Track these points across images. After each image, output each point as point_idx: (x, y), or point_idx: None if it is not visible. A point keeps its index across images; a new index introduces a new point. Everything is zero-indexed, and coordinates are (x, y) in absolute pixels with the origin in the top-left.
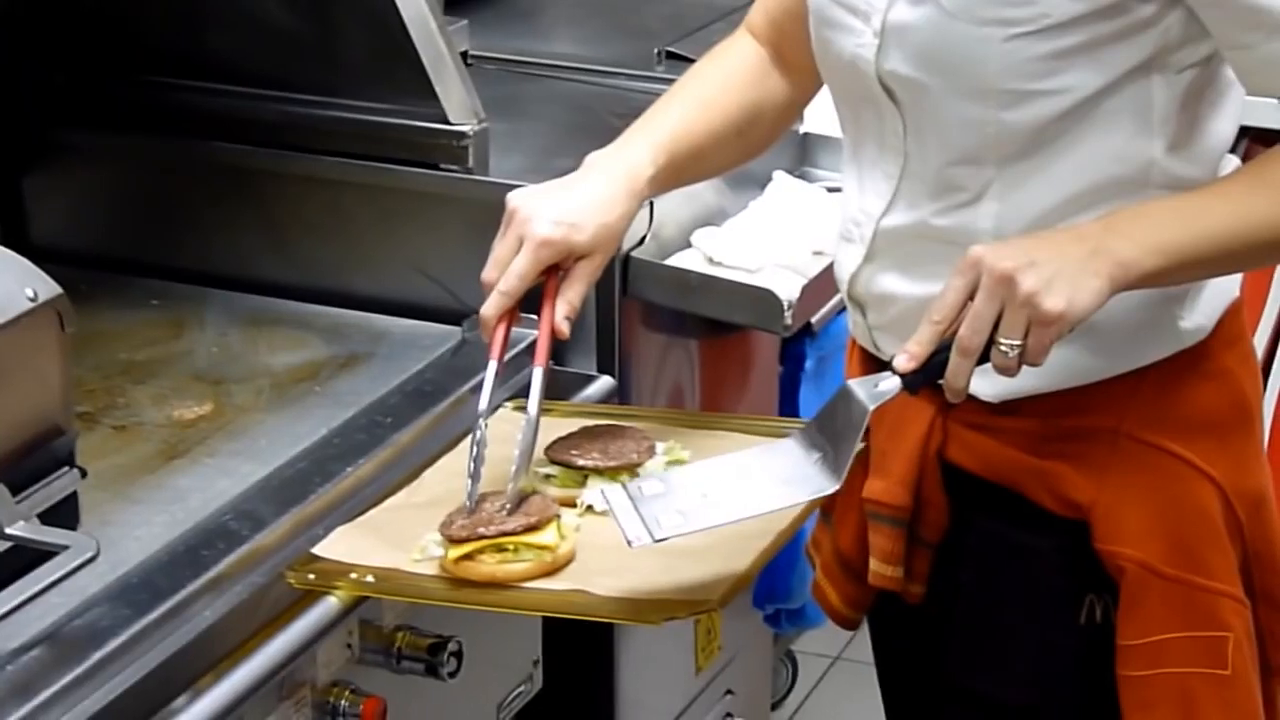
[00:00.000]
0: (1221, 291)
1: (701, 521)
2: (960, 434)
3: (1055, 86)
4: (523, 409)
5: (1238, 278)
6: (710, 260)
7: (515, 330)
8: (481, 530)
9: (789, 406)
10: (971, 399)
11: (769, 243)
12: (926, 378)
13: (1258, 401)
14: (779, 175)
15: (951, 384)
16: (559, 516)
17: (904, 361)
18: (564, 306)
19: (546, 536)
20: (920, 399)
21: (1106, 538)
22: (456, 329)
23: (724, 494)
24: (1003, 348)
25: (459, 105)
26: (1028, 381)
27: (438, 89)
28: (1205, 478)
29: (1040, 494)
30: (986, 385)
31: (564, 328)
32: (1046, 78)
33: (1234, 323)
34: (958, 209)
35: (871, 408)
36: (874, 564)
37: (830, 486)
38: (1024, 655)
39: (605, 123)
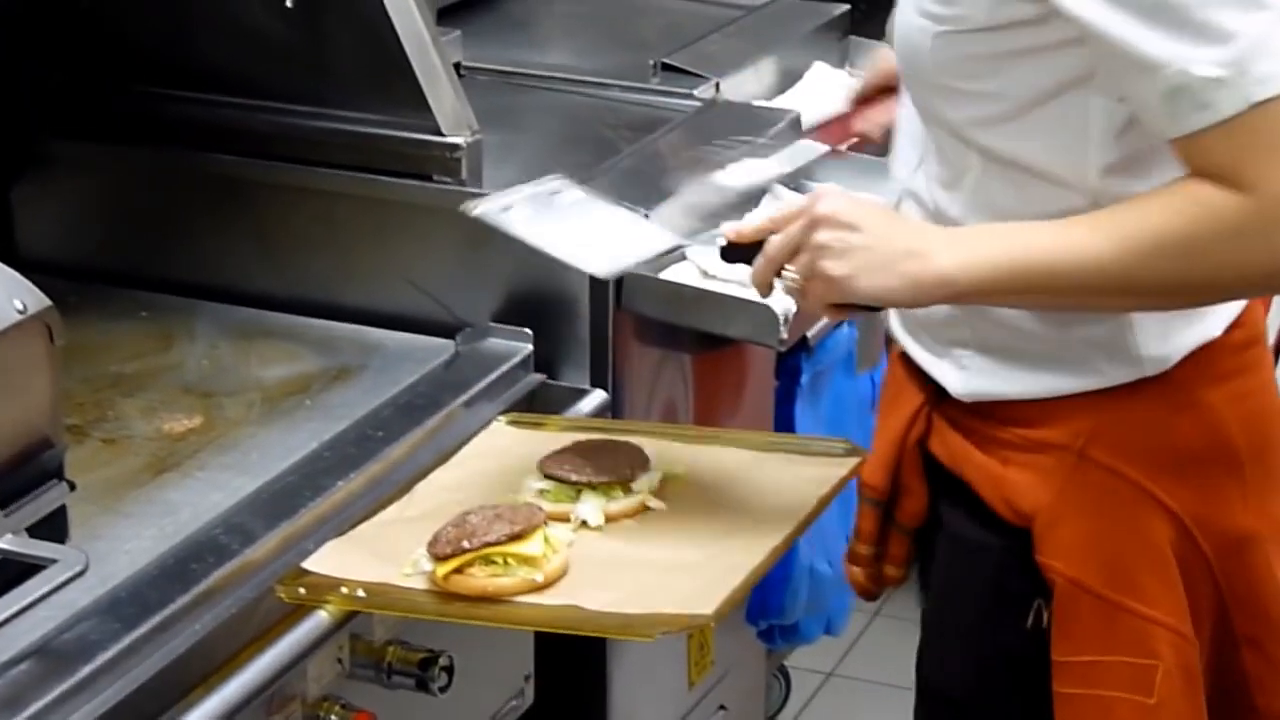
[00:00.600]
0: (1192, 325)
1: None
2: (940, 427)
3: (986, 89)
4: (516, 423)
5: (1220, 315)
6: (705, 274)
7: (502, 343)
8: (465, 544)
9: (784, 422)
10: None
11: None
12: (740, 258)
13: (1256, 443)
14: (775, 188)
15: (751, 278)
16: (545, 524)
17: (730, 232)
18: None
19: (532, 546)
20: (912, 387)
21: (1043, 550)
22: (449, 342)
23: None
24: (786, 274)
25: (452, 117)
26: (993, 386)
27: (430, 100)
28: (1162, 508)
29: (994, 498)
30: (957, 383)
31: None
32: (976, 79)
33: (1224, 360)
34: (942, 188)
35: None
36: (851, 539)
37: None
38: (970, 652)
39: (600, 134)
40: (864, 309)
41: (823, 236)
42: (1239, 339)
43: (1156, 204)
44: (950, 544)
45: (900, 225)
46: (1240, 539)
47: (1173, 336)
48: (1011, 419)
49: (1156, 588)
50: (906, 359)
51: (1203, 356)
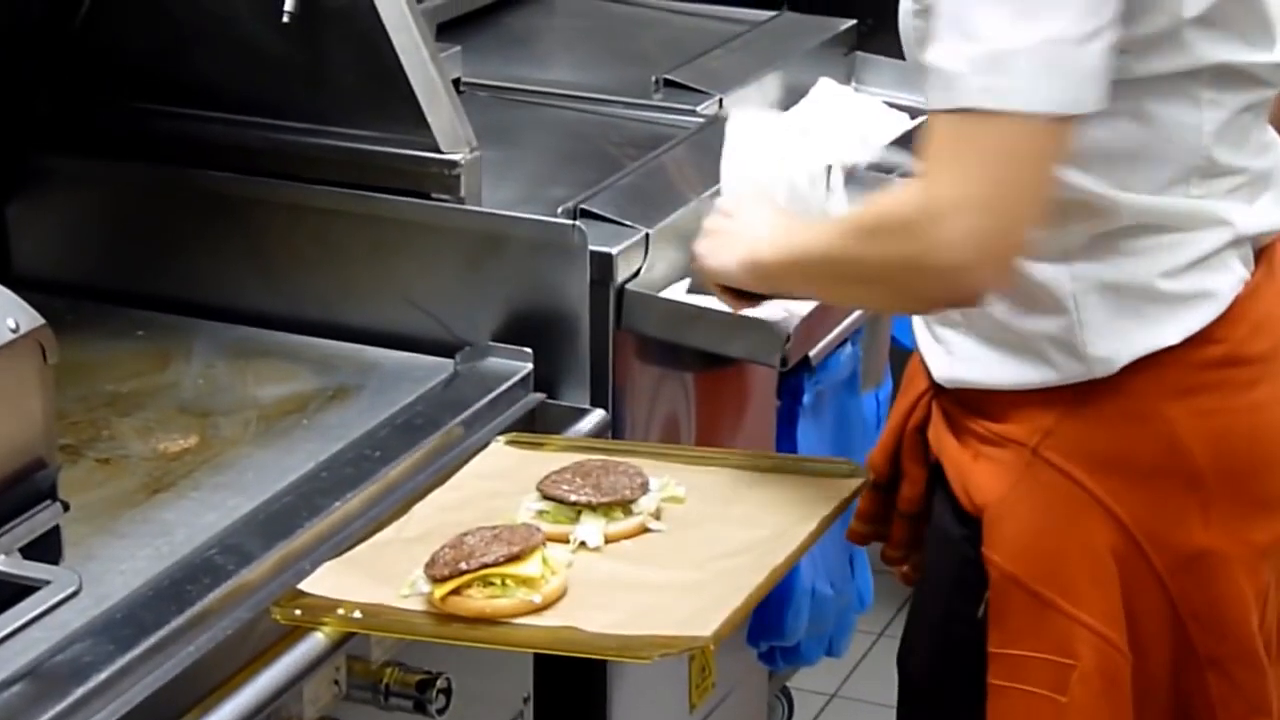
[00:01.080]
0: (1140, 327)
1: None
2: (935, 415)
3: None
4: (515, 443)
5: (1175, 324)
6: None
7: (502, 362)
8: (463, 565)
9: (787, 442)
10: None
11: None
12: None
13: (1226, 463)
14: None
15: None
16: (544, 545)
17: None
18: None
19: (530, 567)
20: (921, 374)
21: (987, 542)
22: (448, 361)
23: None
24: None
25: (451, 134)
26: (968, 373)
27: (429, 117)
28: (1108, 515)
29: (959, 488)
30: (942, 368)
31: None
32: None
33: (1186, 376)
34: None
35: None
36: (852, 519)
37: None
38: (935, 641)
39: (601, 151)
40: (749, 297)
41: (708, 223)
42: (1213, 355)
43: (882, 194)
44: (930, 532)
45: (763, 215)
46: (1196, 556)
47: (1120, 337)
48: (982, 411)
49: (1088, 590)
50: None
51: (1162, 368)
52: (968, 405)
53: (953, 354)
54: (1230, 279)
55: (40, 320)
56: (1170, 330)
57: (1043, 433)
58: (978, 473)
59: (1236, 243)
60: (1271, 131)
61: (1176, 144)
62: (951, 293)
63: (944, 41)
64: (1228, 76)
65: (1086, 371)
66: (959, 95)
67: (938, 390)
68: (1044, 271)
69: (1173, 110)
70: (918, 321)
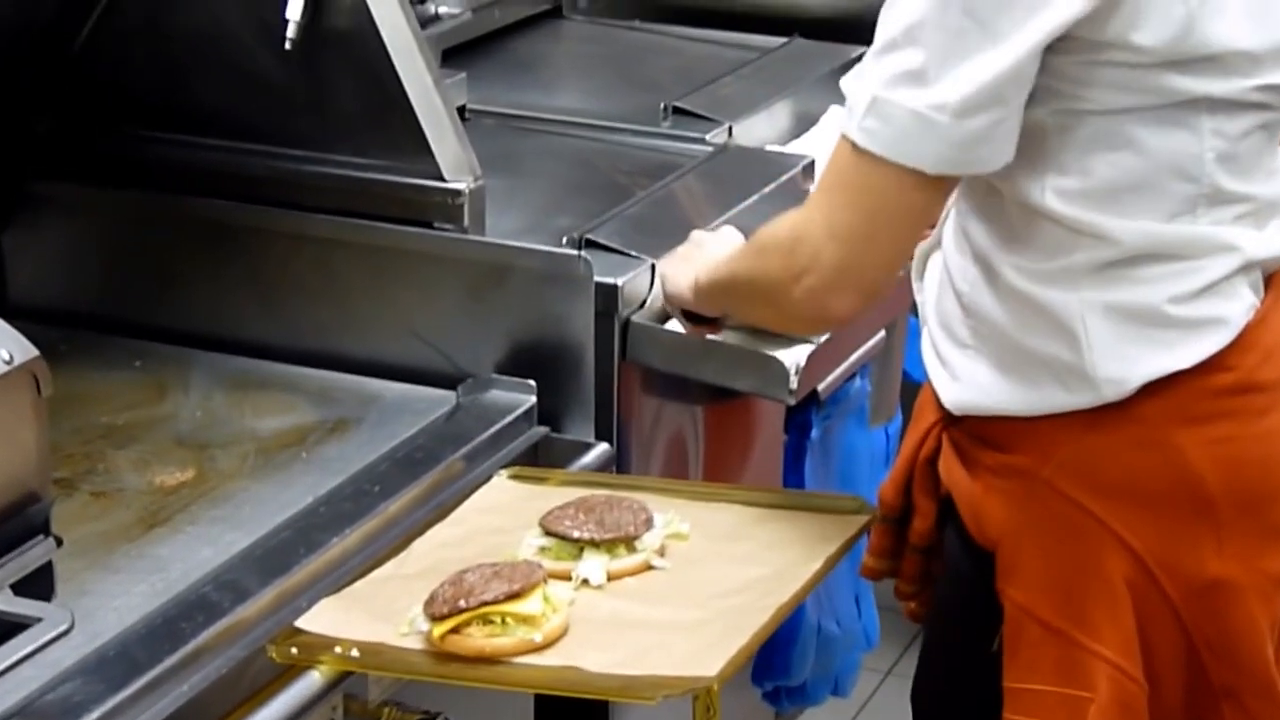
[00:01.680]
0: (1151, 350)
1: None
2: (945, 447)
3: None
4: (518, 478)
5: (1188, 348)
6: None
7: (505, 395)
8: (462, 603)
9: (794, 477)
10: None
11: None
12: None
13: (1240, 491)
14: None
15: None
16: (545, 582)
17: None
18: None
19: (531, 605)
20: (932, 404)
21: (1000, 575)
22: (450, 394)
23: None
24: None
25: (454, 162)
26: (976, 399)
27: (433, 145)
28: (1120, 544)
29: (970, 521)
30: (950, 394)
31: None
32: None
33: (1199, 403)
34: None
35: None
36: (865, 555)
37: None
38: (946, 675)
39: (608, 180)
40: (707, 322)
41: (679, 249)
42: (1224, 383)
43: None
44: (942, 566)
45: (724, 241)
46: (1210, 585)
47: (1129, 360)
48: (991, 441)
49: (1103, 622)
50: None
51: (1172, 395)
52: (977, 436)
53: (961, 380)
54: (1240, 306)
55: (34, 351)
56: (1180, 356)
57: (1052, 462)
58: (989, 505)
59: (1246, 269)
60: None
61: (1179, 174)
62: (812, 313)
63: (861, 72)
64: (1225, 106)
65: (1097, 396)
66: (851, 127)
67: (948, 422)
68: (1051, 296)
69: (1172, 141)
70: (927, 349)
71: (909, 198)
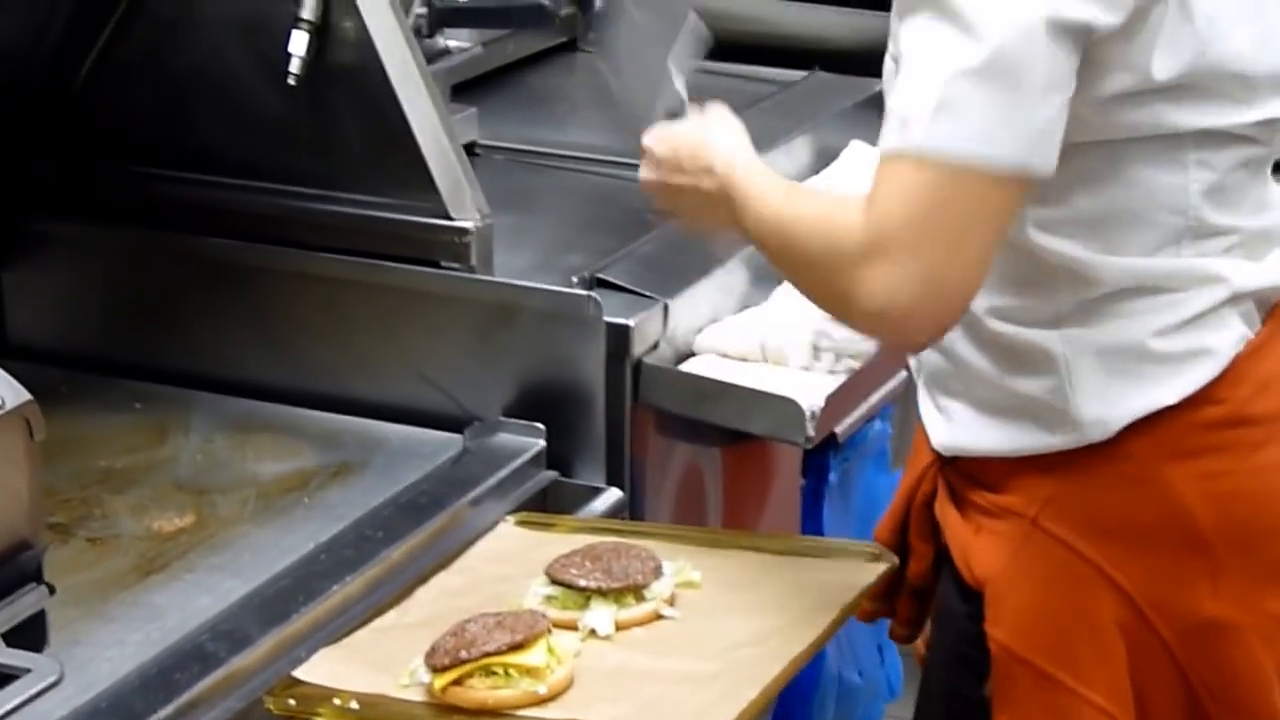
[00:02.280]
0: (1136, 389)
1: None
2: (940, 489)
3: None
4: (525, 524)
5: (1170, 385)
6: (723, 355)
7: (513, 438)
8: (464, 654)
9: (812, 523)
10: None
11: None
12: None
13: (1234, 528)
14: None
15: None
16: (549, 633)
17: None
18: None
19: (534, 656)
20: (924, 447)
21: (989, 618)
22: (457, 437)
23: None
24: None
25: (461, 200)
26: (966, 440)
27: (438, 182)
28: (1111, 585)
29: (961, 562)
30: (942, 436)
31: None
32: None
33: (1188, 438)
34: None
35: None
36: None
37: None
38: (942, 715)
39: (621, 218)
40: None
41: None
42: (1213, 416)
43: (832, 198)
44: (936, 608)
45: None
46: (1206, 626)
47: (1113, 399)
48: (982, 482)
49: (1092, 665)
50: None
51: (1159, 430)
52: (969, 477)
53: (952, 421)
54: (1229, 336)
55: (27, 395)
56: (1166, 391)
57: (1041, 502)
58: (979, 546)
59: (1234, 300)
60: (1275, 188)
61: (1163, 207)
62: (864, 328)
63: (904, 85)
64: (1214, 139)
65: (1081, 437)
66: (911, 136)
67: (943, 463)
68: (1034, 336)
69: (1158, 174)
70: (920, 391)
71: (988, 201)
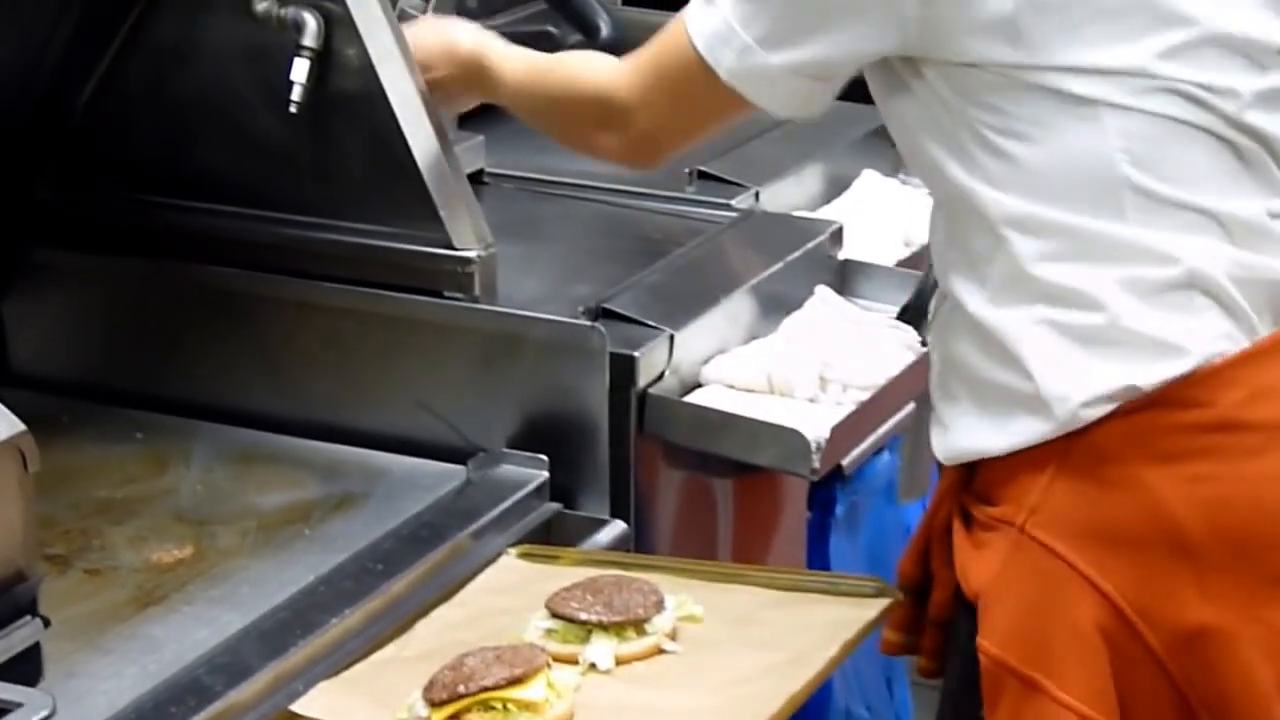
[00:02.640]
0: (1093, 360)
1: None
2: (955, 513)
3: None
4: (527, 556)
5: (1140, 365)
6: (729, 386)
7: (516, 470)
8: (461, 688)
9: (818, 556)
10: (970, 485)
11: (787, 362)
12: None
13: (1223, 533)
14: (820, 290)
15: None
16: (548, 667)
17: None
18: None
19: (533, 691)
20: (944, 475)
21: (980, 630)
22: (460, 468)
23: None
24: None
25: (465, 229)
26: (956, 442)
27: (442, 211)
28: (1094, 591)
29: (960, 577)
30: (939, 446)
31: None
32: None
33: (1168, 440)
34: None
35: None
36: (884, 628)
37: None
38: None
39: (629, 247)
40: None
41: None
42: (1197, 420)
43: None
44: (953, 630)
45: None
46: (1195, 634)
47: (1074, 374)
48: (983, 496)
49: (1074, 672)
50: None
51: (1136, 429)
52: (972, 492)
53: (949, 428)
54: (1204, 330)
55: (20, 426)
56: (1130, 369)
57: (1028, 510)
58: (975, 560)
59: (1208, 291)
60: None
61: (1085, 167)
62: (603, 155)
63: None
64: (1117, 83)
65: (1053, 419)
66: (691, 10)
67: (959, 488)
68: (999, 318)
69: (1072, 127)
70: (933, 415)
71: (715, 97)
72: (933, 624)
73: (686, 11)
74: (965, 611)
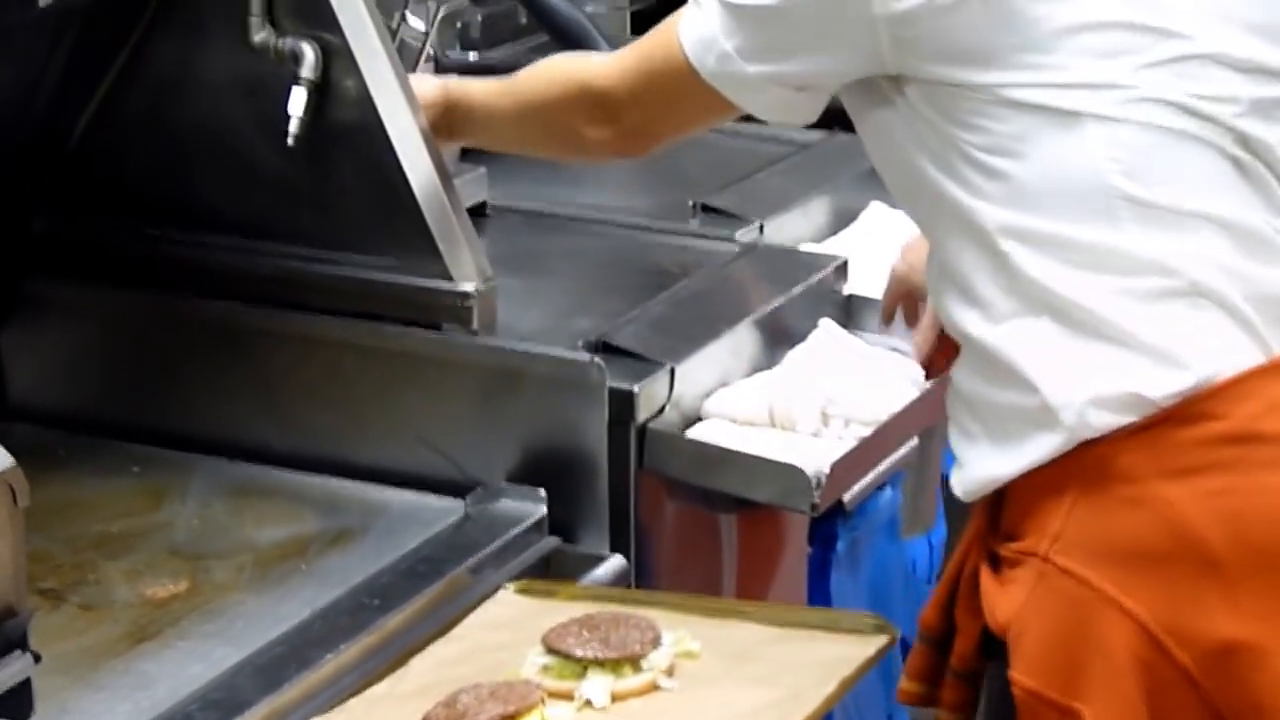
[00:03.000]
0: (1104, 369)
1: None
2: (983, 558)
3: None
4: (525, 591)
5: (1143, 372)
6: (731, 420)
7: (515, 504)
8: None
9: (819, 592)
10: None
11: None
12: None
13: (1248, 545)
14: (824, 323)
15: None
16: (543, 703)
17: None
18: None
19: None
20: (973, 523)
21: (1011, 662)
22: (459, 502)
23: None
24: None
25: (464, 262)
26: (965, 477)
27: (440, 244)
28: (1123, 613)
29: (988, 615)
30: (957, 482)
31: None
32: None
33: (1185, 455)
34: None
35: None
36: (901, 678)
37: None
38: None
39: (632, 280)
40: None
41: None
42: (1213, 432)
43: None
44: (983, 676)
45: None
46: (1226, 649)
47: (1076, 378)
48: (1007, 533)
49: (1108, 698)
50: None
51: (1152, 444)
52: (998, 534)
53: (965, 464)
54: (1208, 336)
55: (10, 461)
56: (1135, 378)
57: (1051, 538)
58: (1001, 596)
59: (1213, 301)
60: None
61: (1075, 178)
62: (592, 156)
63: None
64: (1099, 95)
65: (1061, 429)
66: (687, 8)
67: (985, 532)
68: (1000, 336)
69: (1057, 139)
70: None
71: (700, 95)
72: (955, 675)
73: (681, 11)
74: (994, 652)
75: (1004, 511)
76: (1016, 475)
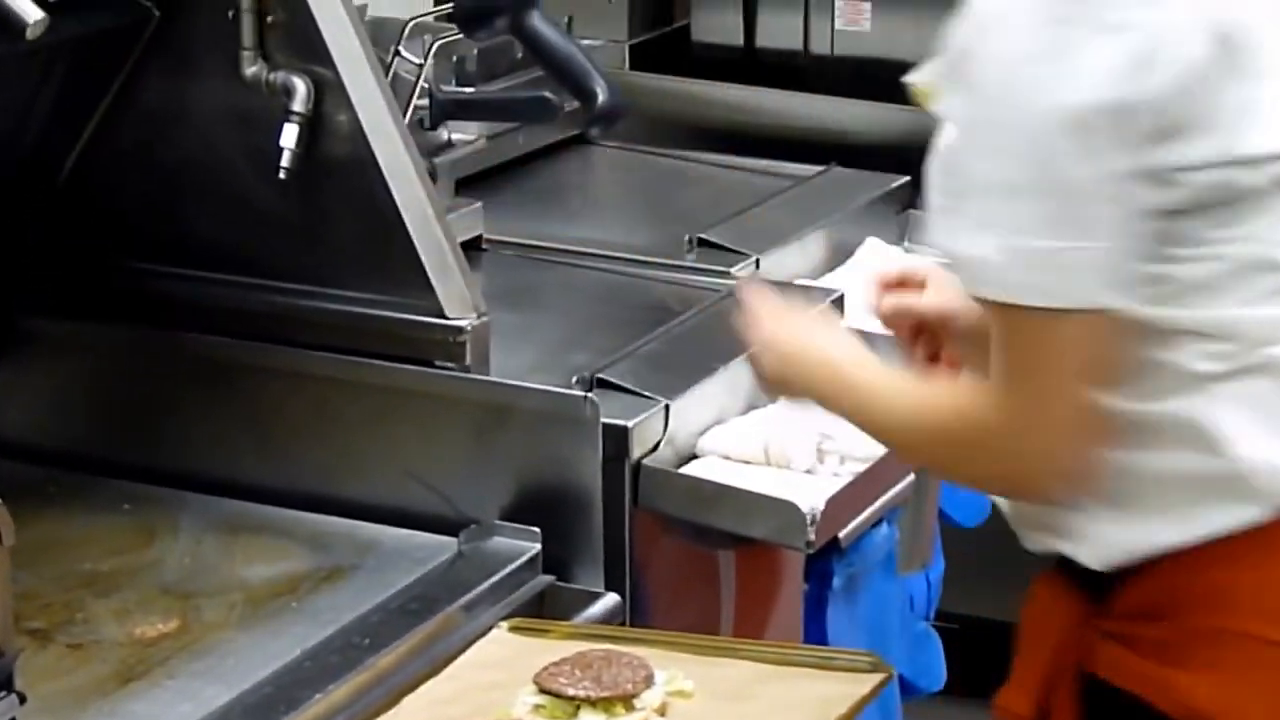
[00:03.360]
0: None
1: None
2: (1101, 645)
3: None
4: (518, 630)
5: None
6: (726, 457)
7: (509, 542)
8: None
9: (815, 629)
10: (1110, 608)
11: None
12: None
13: None
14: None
15: None
16: None
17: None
18: None
19: None
20: (1064, 604)
21: None
22: (452, 540)
23: None
24: None
25: (456, 298)
26: (1106, 551)
27: (433, 279)
28: None
29: (1168, 705)
30: (1089, 554)
31: None
32: None
33: None
34: None
35: None
36: None
37: None
38: None
39: (627, 316)
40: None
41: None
42: None
43: (939, 389)
44: None
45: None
46: None
47: (1271, 437)
48: (1160, 613)
49: None
50: (1058, 574)
51: None
52: (1141, 613)
53: (1090, 539)
54: None
55: None
56: None
57: (1245, 609)
58: (1187, 681)
59: None
60: None
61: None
62: (1023, 495)
63: (971, 227)
64: None
65: (1249, 490)
66: (1008, 289)
67: (1094, 615)
68: (1164, 408)
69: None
70: (1036, 531)
71: (1098, 342)
72: None
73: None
74: None
75: (1125, 590)
76: (1189, 542)
